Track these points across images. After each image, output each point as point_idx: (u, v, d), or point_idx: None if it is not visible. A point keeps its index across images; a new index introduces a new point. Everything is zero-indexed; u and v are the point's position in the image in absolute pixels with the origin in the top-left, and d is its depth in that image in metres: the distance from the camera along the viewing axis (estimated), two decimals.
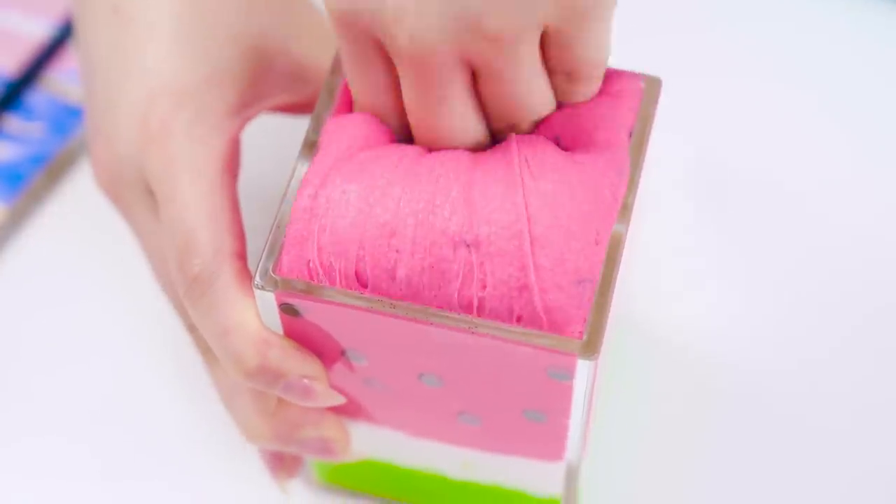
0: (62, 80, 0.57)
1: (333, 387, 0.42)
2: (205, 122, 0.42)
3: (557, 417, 0.41)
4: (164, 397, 0.52)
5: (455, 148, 0.39)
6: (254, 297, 0.40)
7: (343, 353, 0.41)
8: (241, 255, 0.41)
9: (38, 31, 0.58)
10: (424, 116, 0.39)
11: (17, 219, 0.55)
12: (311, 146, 0.41)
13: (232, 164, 0.43)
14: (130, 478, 0.50)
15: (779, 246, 0.54)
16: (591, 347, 0.38)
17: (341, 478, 0.49)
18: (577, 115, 0.40)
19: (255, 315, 0.41)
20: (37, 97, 0.57)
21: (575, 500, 0.46)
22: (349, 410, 0.44)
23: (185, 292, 0.41)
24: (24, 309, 0.54)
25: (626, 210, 0.39)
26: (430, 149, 0.40)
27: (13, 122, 0.57)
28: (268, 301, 0.39)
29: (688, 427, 0.51)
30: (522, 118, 0.39)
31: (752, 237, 0.55)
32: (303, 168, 0.40)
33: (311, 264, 0.38)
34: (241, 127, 0.44)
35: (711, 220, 0.55)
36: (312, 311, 0.39)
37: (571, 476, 0.44)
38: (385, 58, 0.39)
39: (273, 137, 0.52)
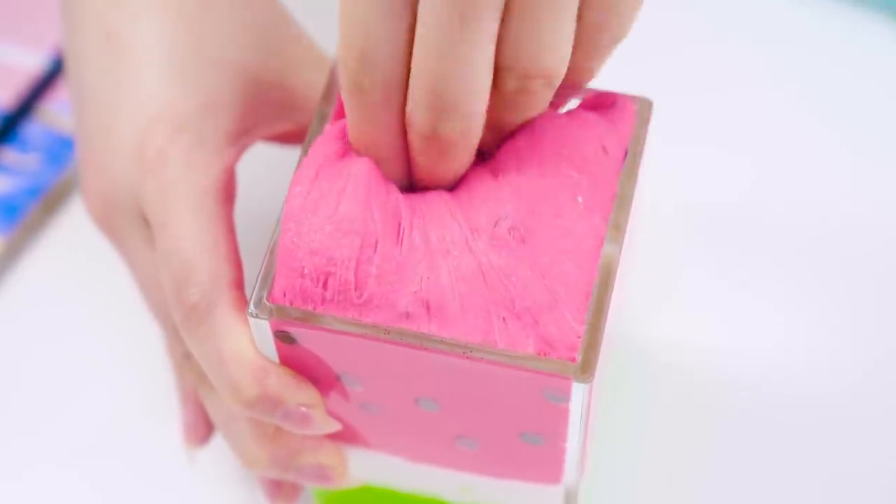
0: (57, 112, 0.58)
1: (330, 413, 0.42)
2: (202, 150, 0.42)
3: (554, 440, 0.41)
4: (162, 429, 0.52)
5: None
6: (249, 327, 0.40)
7: (339, 378, 0.41)
8: (239, 284, 0.41)
9: (32, 63, 0.58)
10: (446, 53, 0.36)
11: (14, 251, 0.55)
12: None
13: (228, 192, 0.43)
14: None
15: (777, 263, 0.55)
16: (586, 369, 0.38)
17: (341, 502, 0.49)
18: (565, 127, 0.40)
19: (252, 344, 0.41)
20: (32, 129, 0.57)
21: None
22: (347, 437, 0.44)
23: (182, 321, 0.41)
24: (22, 341, 0.54)
25: (617, 230, 0.40)
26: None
27: (9, 154, 0.57)
28: (263, 329, 0.40)
29: (686, 448, 0.51)
30: (539, 70, 0.37)
31: (751, 255, 0.55)
32: None
33: (304, 272, 0.38)
34: (237, 156, 0.44)
35: (709, 240, 0.55)
36: (308, 339, 0.39)
37: (570, 499, 0.44)
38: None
39: (266, 166, 0.52)
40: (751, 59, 0.60)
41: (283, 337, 0.40)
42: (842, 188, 0.56)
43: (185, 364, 0.45)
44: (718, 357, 0.53)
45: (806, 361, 0.52)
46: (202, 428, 0.48)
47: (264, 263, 0.39)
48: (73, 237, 0.56)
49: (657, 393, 0.52)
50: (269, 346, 0.40)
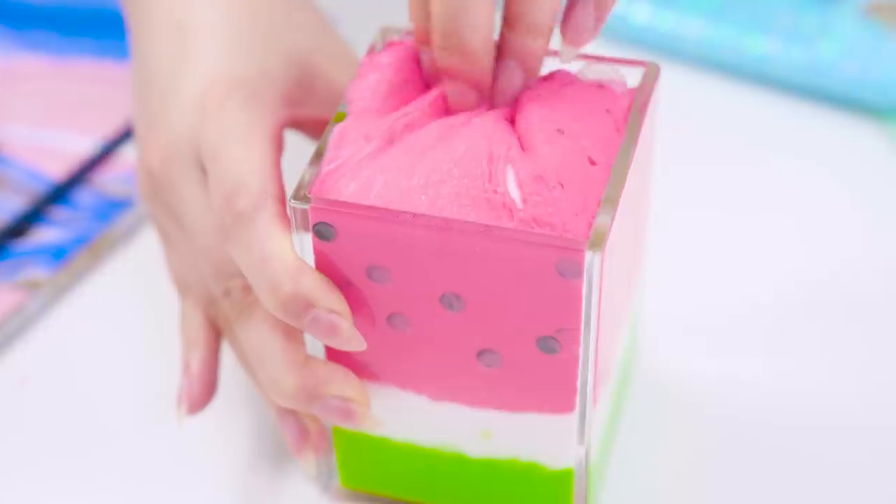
0: (106, 182, 0.63)
1: (357, 330, 0.45)
2: (257, 103, 0.47)
3: (570, 343, 0.44)
4: (194, 454, 0.54)
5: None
6: (291, 234, 0.44)
7: (369, 278, 0.44)
8: (282, 201, 0.45)
9: (83, 146, 0.64)
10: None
11: (60, 290, 0.59)
12: (319, 154, 0.45)
13: (278, 142, 0.48)
14: None
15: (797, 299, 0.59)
16: (597, 242, 0.42)
17: (363, 480, 0.51)
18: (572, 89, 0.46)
19: (291, 248, 0.44)
20: (83, 194, 0.62)
21: (586, 473, 0.48)
22: (371, 371, 0.47)
23: (230, 228, 0.45)
24: (63, 370, 0.57)
25: (631, 137, 0.45)
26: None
27: (60, 212, 0.62)
28: (302, 229, 0.44)
29: (700, 475, 0.53)
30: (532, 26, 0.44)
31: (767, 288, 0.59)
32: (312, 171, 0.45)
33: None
34: (287, 119, 0.49)
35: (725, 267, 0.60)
36: (343, 230, 0.43)
37: (583, 435, 0.46)
38: None
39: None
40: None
41: (320, 232, 0.43)
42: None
43: (224, 302, 0.48)
44: (733, 386, 0.56)
45: (818, 393, 0.55)
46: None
47: (306, 169, 0.44)
48: (115, 283, 0.60)
49: (671, 422, 0.55)
50: (308, 251, 0.44)
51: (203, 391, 0.50)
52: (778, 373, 0.56)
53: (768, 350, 0.57)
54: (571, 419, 0.46)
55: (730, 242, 0.61)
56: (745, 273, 0.60)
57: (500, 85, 0.45)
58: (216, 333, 0.51)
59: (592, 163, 0.44)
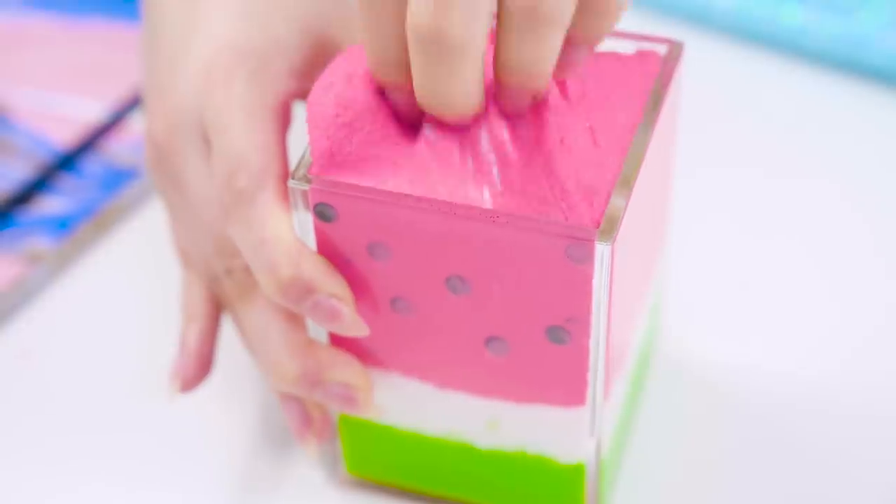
0: (116, 151, 0.61)
1: (360, 315, 0.43)
2: (264, 74, 0.45)
3: (579, 335, 0.42)
4: (199, 439, 0.53)
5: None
6: (291, 214, 0.42)
7: (372, 258, 0.42)
8: (284, 179, 0.44)
9: (93, 112, 0.62)
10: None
11: (63, 262, 0.57)
12: None
13: (284, 116, 0.46)
14: None
15: (810, 278, 0.56)
16: (608, 226, 0.39)
17: (369, 468, 0.49)
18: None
19: (291, 230, 0.42)
20: (91, 163, 0.61)
21: (598, 468, 0.46)
22: (375, 358, 0.45)
23: (229, 206, 0.43)
24: (65, 343, 0.55)
25: (648, 125, 0.42)
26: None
27: (67, 180, 0.60)
28: (302, 208, 0.42)
29: (720, 472, 0.51)
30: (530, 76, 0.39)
31: (784, 270, 0.56)
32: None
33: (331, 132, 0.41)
34: (295, 92, 0.46)
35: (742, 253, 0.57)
36: (344, 213, 0.41)
37: (594, 429, 0.44)
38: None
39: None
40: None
41: (321, 213, 0.41)
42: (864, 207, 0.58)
43: (226, 281, 0.46)
44: (758, 377, 0.53)
45: (844, 381, 0.53)
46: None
47: (304, 152, 0.42)
48: (120, 257, 0.58)
49: (691, 413, 0.52)
50: (309, 234, 0.42)
51: (198, 368, 0.48)
52: (806, 363, 0.54)
53: (797, 340, 0.54)
54: (582, 412, 0.44)
55: (759, 225, 0.59)
56: (775, 257, 0.57)
57: (505, 106, 0.41)
58: (217, 309, 0.49)
59: (596, 142, 0.42)
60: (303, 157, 0.42)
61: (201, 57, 0.46)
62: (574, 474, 0.46)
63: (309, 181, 0.41)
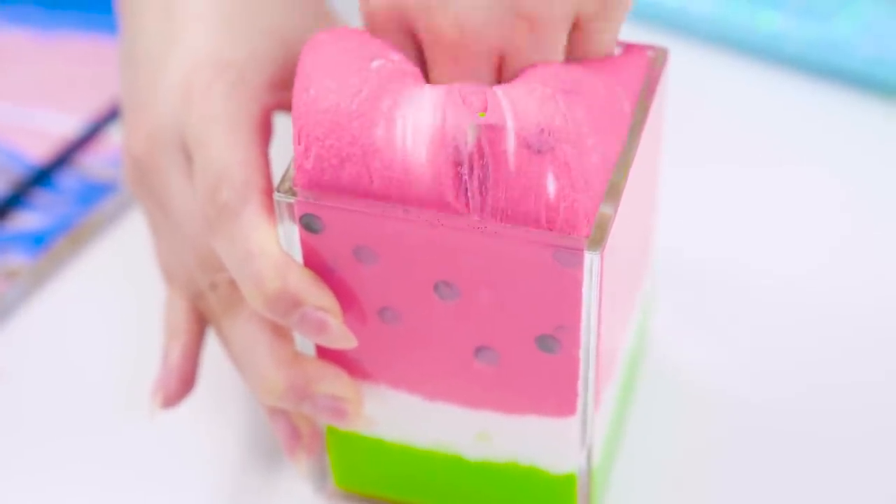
0: (90, 164, 0.60)
1: (348, 327, 0.43)
2: (243, 88, 0.45)
3: (569, 344, 0.41)
4: (185, 454, 0.52)
5: None
6: (276, 227, 0.42)
7: (360, 268, 0.41)
8: (268, 193, 0.43)
9: (68, 126, 0.62)
10: None
11: (39, 278, 0.57)
12: None
13: (266, 129, 0.45)
14: None
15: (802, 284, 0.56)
16: (598, 234, 0.39)
17: (358, 482, 0.49)
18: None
19: (277, 243, 0.42)
20: (66, 177, 0.60)
21: (589, 477, 0.45)
22: (364, 368, 0.44)
23: (213, 221, 0.42)
24: (42, 358, 0.55)
25: (637, 127, 0.42)
26: None
27: (42, 196, 0.59)
28: (288, 222, 0.41)
29: (711, 480, 0.51)
30: None
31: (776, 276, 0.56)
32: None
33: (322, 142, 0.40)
34: (275, 104, 0.46)
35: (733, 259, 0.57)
36: (330, 224, 0.41)
37: (585, 439, 0.44)
38: (417, 48, 0.41)
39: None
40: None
41: (307, 224, 0.41)
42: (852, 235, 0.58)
43: (210, 296, 0.46)
44: (748, 383, 0.53)
45: (834, 388, 0.53)
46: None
47: (289, 164, 0.42)
48: (97, 272, 0.57)
49: (681, 420, 0.52)
50: (295, 246, 0.42)
51: (180, 385, 0.47)
52: (796, 368, 0.53)
53: (787, 345, 0.54)
54: (572, 423, 0.44)
55: (743, 229, 0.59)
56: (762, 260, 0.57)
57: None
58: (200, 325, 0.48)
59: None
60: (287, 169, 0.41)
61: (180, 70, 0.45)
62: (565, 484, 0.46)
63: (294, 193, 0.41)
